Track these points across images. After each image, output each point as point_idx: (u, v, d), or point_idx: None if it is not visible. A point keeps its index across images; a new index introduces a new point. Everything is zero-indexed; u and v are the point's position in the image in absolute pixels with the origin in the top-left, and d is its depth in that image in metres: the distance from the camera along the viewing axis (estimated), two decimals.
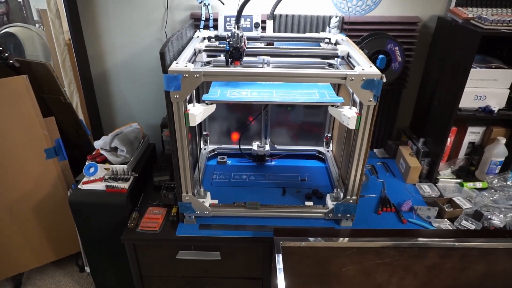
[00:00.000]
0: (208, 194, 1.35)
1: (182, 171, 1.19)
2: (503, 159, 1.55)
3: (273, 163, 1.71)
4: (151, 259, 1.36)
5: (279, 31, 1.62)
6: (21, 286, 1.89)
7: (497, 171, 1.58)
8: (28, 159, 1.58)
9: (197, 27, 1.57)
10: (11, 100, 1.47)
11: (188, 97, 1.07)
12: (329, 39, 1.42)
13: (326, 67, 1.35)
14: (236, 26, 1.12)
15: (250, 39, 1.38)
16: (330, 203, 1.32)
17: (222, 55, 1.37)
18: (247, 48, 1.19)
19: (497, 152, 1.53)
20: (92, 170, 1.46)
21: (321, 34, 1.49)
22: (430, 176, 1.61)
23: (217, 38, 1.43)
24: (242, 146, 1.70)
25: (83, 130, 1.80)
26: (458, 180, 1.60)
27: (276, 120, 1.68)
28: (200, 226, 1.32)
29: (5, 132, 1.50)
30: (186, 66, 1.03)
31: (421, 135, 1.68)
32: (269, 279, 1.37)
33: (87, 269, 1.83)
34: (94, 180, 1.45)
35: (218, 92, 1.18)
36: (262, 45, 1.46)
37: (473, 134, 1.58)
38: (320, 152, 1.73)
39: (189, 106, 1.11)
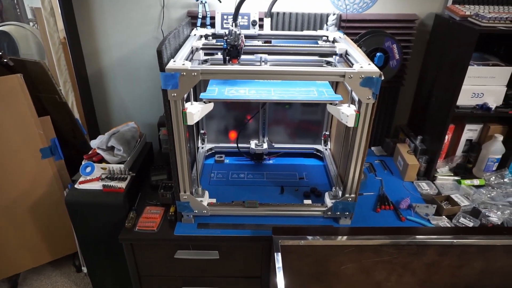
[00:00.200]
0: (206, 193, 1.34)
1: (180, 170, 1.19)
2: (500, 156, 1.55)
3: (271, 162, 1.70)
4: (149, 259, 1.35)
5: (276, 29, 1.61)
6: (17, 287, 1.87)
7: (494, 168, 1.58)
8: (23, 159, 1.56)
9: (194, 25, 1.56)
10: (6, 100, 1.45)
11: (185, 96, 1.06)
12: (327, 37, 1.41)
13: (324, 65, 1.35)
14: (233, 24, 1.12)
15: (247, 37, 1.37)
16: (328, 201, 1.31)
17: (219, 53, 1.36)
18: (244, 46, 1.18)
19: (494, 149, 1.53)
20: (88, 169, 1.45)
21: (319, 32, 1.48)
22: (428, 173, 1.61)
23: (214, 36, 1.43)
24: (240, 145, 1.69)
25: (79, 129, 1.78)
26: (456, 178, 1.60)
27: (274, 119, 1.67)
28: (198, 225, 1.31)
29: (0, 132, 1.48)
30: (183, 64, 1.02)
31: (419, 132, 1.69)
32: (268, 278, 1.37)
33: (84, 269, 1.82)
34: (91, 179, 1.43)
35: (216, 91, 1.17)
36: (259, 43, 1.45)
37: (470, 132, 1.59)
38: (318, 150, 1.73)
39: (187, 105, 1.10)
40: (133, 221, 1.33)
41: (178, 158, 1.16)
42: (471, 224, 1.34)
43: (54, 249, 1.82)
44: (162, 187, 1.41)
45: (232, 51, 1.11)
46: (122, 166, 1.47)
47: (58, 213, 1.67)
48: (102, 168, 1.47)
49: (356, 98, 1.09)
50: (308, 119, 1.69)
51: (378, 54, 1.41)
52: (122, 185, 1.40)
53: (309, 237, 1.14)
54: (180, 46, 1.24)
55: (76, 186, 1.42)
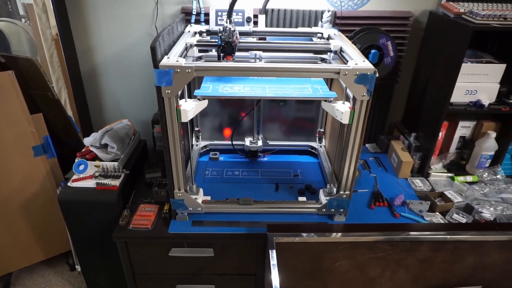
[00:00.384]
0: (201, 190, 1.34)
1: (174, 167, 1.18)
2: (493, 153, 1.56)
3: (265, 159, 1.70)
4: (143, 256, 1.35)
5: (271, 26, 1.60)
6: (10, 286, 1.86)
7: (487, 165, 1.60)
8: (15, 157, 1.54)
9: (188, 21, 1.54)
10: None
11: (179, 93, 1.05)
12: (322, 33, 1.41)
13: (318, 62, 1.35)
14: (228, 20, 1.11)
15: (242, 33, 1.37)
16: (323, 198, 1.32)
17: (214, 50, 1.36)
18: (239, 43, 1.17)
19: (487, 146, 1.54)
20: (82, 167, 1.44)
21: (314, 29, 1.48)
22: (422, 170, 1.62)
23: (209, 32, 1.42)
24: (234, 142, 1.69)
25: (72, 127, 1.77)
26: (449, 174, 1.61)
27: (268, 116, 1.67)
28: (192, 223, 1.31)
29: None
30: (177, 61, 1.01)
31: (413, 129, 1.69)
32: (262, 275, 1.37)
33: (78, 267, 1.81)
34: (84, 177, 1.42)
35: (210, 88, 1.17)
36: (254, 40, 1.45)
37: (464, 129, 1.60)
38: (312, 148, 1.73)
39: (181, 102, 1.09)
40: (127, 219, 1.32)
41: (172, 155, 1.15)
42: (464, 220, 1.35)
43: (47, 248, 1.81)
44: (156, 185, 1.41)
45: (227, 48, 1.11)
46: (115, 163, 1.45)
47: (51, 212, 1.66)
48: (95, 166, 1.46)
49: (351, 95, 1.09)
50: (303, 116, 1.69)
51: (372, 51, 1.41)
52: (116, 183, 1.39)
53: (304, 234, 1.14)
54: (174, 42, 1.23)
55: (69, 184, 1.41)
